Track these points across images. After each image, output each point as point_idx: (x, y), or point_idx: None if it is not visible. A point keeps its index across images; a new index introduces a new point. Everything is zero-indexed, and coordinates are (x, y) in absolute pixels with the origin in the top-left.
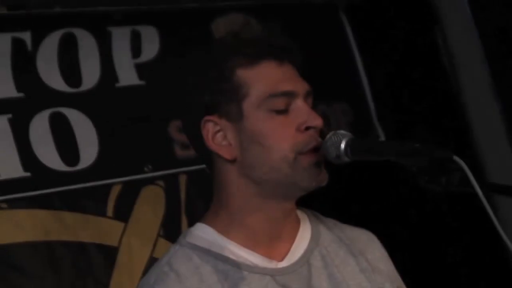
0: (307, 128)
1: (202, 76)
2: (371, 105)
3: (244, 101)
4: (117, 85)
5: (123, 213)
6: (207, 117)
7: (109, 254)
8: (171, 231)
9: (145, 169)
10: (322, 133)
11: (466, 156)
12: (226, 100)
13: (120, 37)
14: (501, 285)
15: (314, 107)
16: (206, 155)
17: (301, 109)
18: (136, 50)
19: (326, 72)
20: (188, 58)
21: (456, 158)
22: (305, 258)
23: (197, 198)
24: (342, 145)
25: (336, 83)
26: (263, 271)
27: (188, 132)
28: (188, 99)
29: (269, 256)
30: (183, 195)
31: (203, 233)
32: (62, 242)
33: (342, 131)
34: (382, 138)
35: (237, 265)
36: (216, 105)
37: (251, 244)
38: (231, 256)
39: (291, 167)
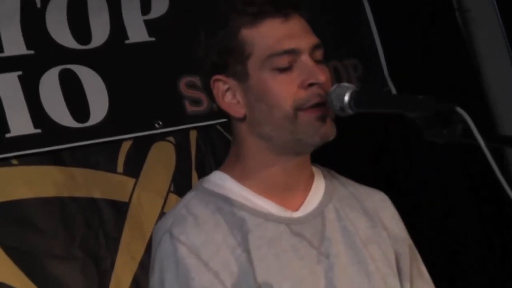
0: (311, 85)
1: (210, 36)
2: (383, 60)
3: (249, 61)
4: (127, 41)
5: (133, 169)
6: (216, 76)
7: (120, 209)
8: (182, 186)
9: (156, 125)
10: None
11: (478, 110)
12: (233, 60)
13: None
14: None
15: (326, 64)
16: (223, 111)
17: (304, 65)
18: (145, 6)
19: (338, 29)
20: (197, 16)
21: (458, 109)
22: (319, 210)
23: (208, 153)
24: (346, 98)
25: (348, 40)
26: (278, 220)
27: (204, 89)
28: (198, 59)
29: (285, 205)
30: (193, 151)
31: (220, 180)
32: (73, 198)
33: (346, 84)
34: (394, 92)
35: (253, 212)
36: (224, 64)
37: (267, 193)
38: (248, 203)
39: (293, 124)
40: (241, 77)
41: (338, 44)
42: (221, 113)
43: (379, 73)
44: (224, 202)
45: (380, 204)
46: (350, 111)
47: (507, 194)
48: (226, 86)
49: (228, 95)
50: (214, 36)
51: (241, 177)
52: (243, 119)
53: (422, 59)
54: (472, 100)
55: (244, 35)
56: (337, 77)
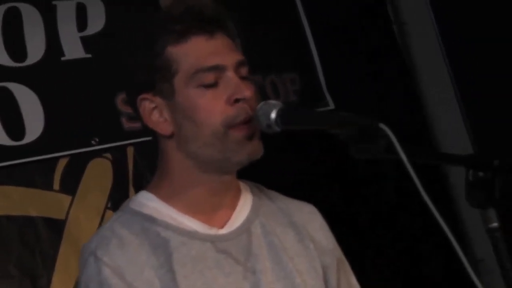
0: (237, 100)
1: (137, 54)
2: (321, 75)
3: (175, 78)
4: (63, 58)
5: (70, 186)
6: (142, 95)
7: (56, 227)
8: (119, 203)
9: (92, 142)
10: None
11: (417, 126)
12: (159, 78)
13: (65, 10)
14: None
15: (263, 78)
16: (150, 129)
17: (230, 81)
18: (82, 23)
19: (275, 43)
20: (130, 33)
21: (382, 125)
22: (246, 226)
23: (145, 169)
24: (273, 115)
25: (286, 54)
26: (203, 237)
27: (132, 107)
28: (127, 77)
29: (210, 223)
30: (130, 167)
31: (146, 200)
32: (9, 217)
33: (273, 101)
34: (332, 107)
35: (178, 231)
36: (150, 82)
37: (192, 211)
38: (172, 222)
39: (222, 141)
40: (168, 95)
41: (276, 59)
42: (147, 130)
43: (317, 88)
44: (149, 222)
45: (308, 216)
46: (277, 128)
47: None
48: (153, 105)
49: (155, 113)
50: (140, 55)
51: (167, 196)
52: (170, 136)
53: (360, 73)
54: (409, 114)
55: (170, 53)
56: (275, 92)
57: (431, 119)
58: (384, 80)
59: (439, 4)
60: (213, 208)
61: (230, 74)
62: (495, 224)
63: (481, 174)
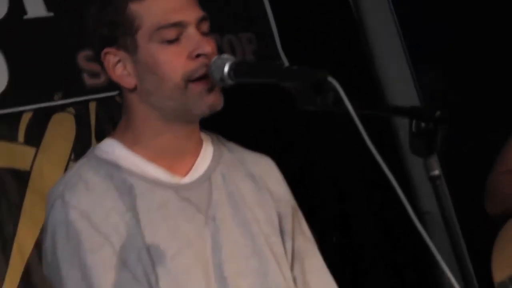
0: (198, 56)
1: (99, 10)
2: (276, 34)
3: (138, 34)
4: (25, 17)
5: (34, 139)
6: (106, 49)
7: (21, 178)
8: (82, 154)
9: (55, 97)
10: None
11: (366, 80)
12: (122, 33)
13: None
14: None
15: (220, 38)
16: (114, 82)
17: (192, 37)
18: None
19: (232, 3)
20: None
21: (330, 78)
22: (207, 175)
23: (107, 123)
24: (226, 68)
25: (242, 14)
26: (166, 185)
27: (97, 62)
28: (90, 32)
29: (173, 171)
30: (93, 122)
31: (111, 147)
32: None
33: (226, 55)
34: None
35: (142, 178)
36: (113, 37)
37: (156, 159)
38: (137, 170)
39: (183, 94)
40: (131, 49)
41: (232, 18)
42: (112, 83)
43: (272, 47)
44: (114, 168)
45: (265, 167)
46: (230, 82)
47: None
48: (116, 59)
49: (119, 66)
50: (102, 11)
51: (131, 144)
52: (134, 89)
53: (314, 33)
54: (361, 73)
55: (132, 10)
56: (232, 51)
57: (382, 79)
58: (337, 41)
59: None
60: (176, 156)
61: (191, 30)
62: (436, 172)
63: (423, 124)
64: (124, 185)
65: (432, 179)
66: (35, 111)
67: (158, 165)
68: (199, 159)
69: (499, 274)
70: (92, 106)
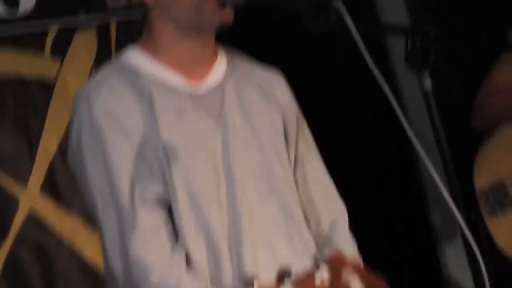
0: None
1: None
2: None
3: None
4: None
5: (59, 53)
6: None
7: (47, 88)
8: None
9: (79, 18)
10: None
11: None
12: None
13: None
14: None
15: None
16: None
17: None
18: None
19: None
20: None
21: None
22: (221, 84)
23: (126, 45)
24: None
25: None
26: (182, 91)
27: None
28: None
29: (190, 79)
30: (113, 42)
31: (133, 55)
32: (4, 77)
33: None
34: None
35: (160, 84)
36: None
37: (174, 67)
38: (156, 77)
39: (197, 9)
40: None
41: None
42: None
43: None
44: (135, 75)
45: (274, 79)
46: (241, 0)
47: (380, 82)
48: None
49: None
50: None
51: (152, 52)
52: (153, 4)
53: None
54: None
55: None
56: None
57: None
58: None
59: None
60: (192, 65)
61: None
62: (428, 89)
63: (418, 41)
64: (144, 89)
65: (426, 97)
66: (60, 28)
67: (176, 73)
68: (213, 70)
69: (480, 181)
70: (113, 26)
